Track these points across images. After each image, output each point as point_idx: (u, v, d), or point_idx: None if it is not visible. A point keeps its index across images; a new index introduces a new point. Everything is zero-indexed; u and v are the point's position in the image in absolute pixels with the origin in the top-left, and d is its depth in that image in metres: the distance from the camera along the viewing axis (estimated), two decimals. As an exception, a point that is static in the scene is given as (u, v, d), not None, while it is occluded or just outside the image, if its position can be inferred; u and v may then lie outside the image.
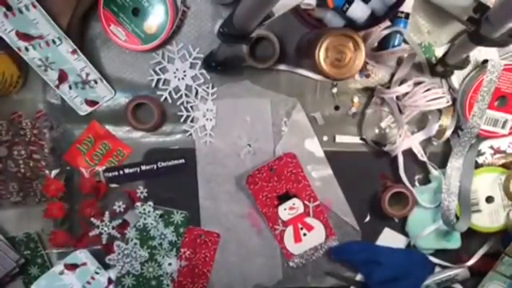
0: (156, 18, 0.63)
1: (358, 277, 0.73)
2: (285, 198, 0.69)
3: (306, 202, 0.69)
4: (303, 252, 0.71)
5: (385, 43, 0.66)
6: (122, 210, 0.68)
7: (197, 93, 0.67)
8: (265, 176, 0.68)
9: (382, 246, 0.72)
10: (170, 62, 0.67)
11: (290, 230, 0.70)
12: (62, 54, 0.63)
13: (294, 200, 0.69)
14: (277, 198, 0.69)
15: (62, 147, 0.68)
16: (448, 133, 0.68)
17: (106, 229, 0.68)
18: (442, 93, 0.65)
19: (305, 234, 0.70)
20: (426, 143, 0.70)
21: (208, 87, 0.67)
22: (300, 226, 0.70)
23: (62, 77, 0.64)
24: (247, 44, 0.62)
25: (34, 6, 0.59)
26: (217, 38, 0.53)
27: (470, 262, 0.72)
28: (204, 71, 0.67)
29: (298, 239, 0.70)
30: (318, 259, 0.72)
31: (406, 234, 0.72)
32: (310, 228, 0.70)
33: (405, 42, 0.66)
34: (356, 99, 0.69)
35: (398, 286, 0.70)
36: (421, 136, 0.69)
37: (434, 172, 0.70)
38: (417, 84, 0.66)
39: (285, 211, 0.69)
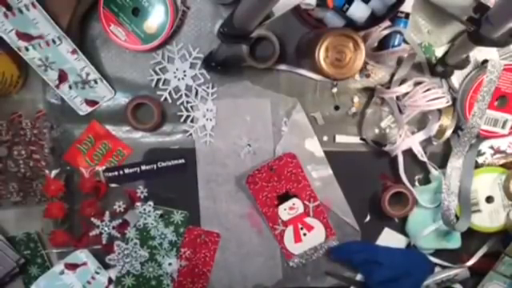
0: (156, 18, 0.63)
1: (358, 277, 0.73)
2: (285, 198, 0.69)
3: (306, 202, 0.69)
4: (303, 252, 0.71)
5: (385, 43, 0.66)
6: (122, 210, 0.68)
7: (197, 93, 0.67)
8: (265, 176, 0.68)
9: (382, 246, 0.72)
10: (170, 62, 0.67)
11: (290, 230, 0.70)
12: (62, 54, 0.63)
13: (294, 200, 0.69)
14: (277, 197, 0.69)
15: (61, 147, 0.68)
16: (448, 133, 0.68)
17: (106, 229, 0.68)
18: (442, 93, 0.65)
19: (305, 234, 0.70)
20: (426, 143, 0.70)
21: (208, 87, 0.67)
22: (300, 226, 0.70)
23: (62, 77, 0.64)
24: (247, 44, 0.62)
25: (34, 6, 0.59)
26: (217, 37, 0.53)
27: (470, 262, 0.72)
28: (204, 71, 0.67)
29: (297, 239, 0.70)
30: (318, 259, 0.72)
31: (405, 234, 0.72)
32: (309, 228, 0.70)
33: (405, 41, 0.66)
34: (356, 99, 0.69)
35: (398, 285, 0.70)
36: (421, 136, 0.69)
37: (434, 172, 0.70)
38: (417, 84, 0.66)
39: (285, 211, 0.69)
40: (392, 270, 0.70)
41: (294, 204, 0.69)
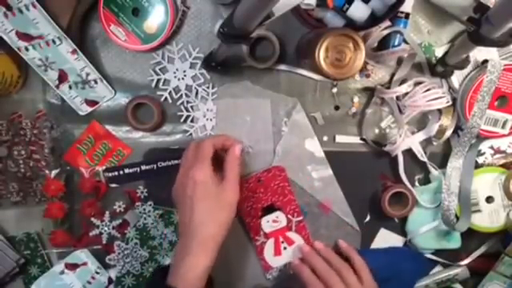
0: (156, 18, 0.63)
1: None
2: (269, 210, 0.69)
3: (290, 217, 0.69)
4: (282, 266, 0.70)
5: (385, 43, 0.66)
6: (123, 210, 0.68)
7: (197, 93, 0.67)
8: (252, 186, 0.67)
9: (369, 250, 0.72)
10: (170, 62, 0.67)
11: (270, 243, 0.70)
12: (62, 54, 0.63)
13: (278, 213, 0.69)
14: (261, 209, 0.68)
15: (61, 147, 0.68)
16: (448, 133, 0.68)
17: (106, 228, 0.68)
18: (442, 93, 0.65)
19: (285, 248, 0.70)
20: (426, 143, 0.70)
21: (208, 87, 0.67)
22: (281, 239, 0.70)
23: (62, 77, 0.64)
24: (247, 44, 0.62)
25: (34, 6, 0.59)
26: (217, 37, 0.53)
27: (467, 261, 0.72)
28: (204, 71, 0.67)
29: (277, 252, 0.70)
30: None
31: (405, 235, 0.72)
32: (290, 242, 0.70)
33: (405, 41, 0.66)
34: (356, 99, 0.69)
35: (392, 285, 0.70)
36: (421, 136, 0.69)
37: (434, 172, 0.70)
38: (417, 84, 0.66)
39: (267, 223, 0.69)
40: (381, 273, 0.69)
41: (277, 217, 0.69)
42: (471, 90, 0.65)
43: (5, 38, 0.60)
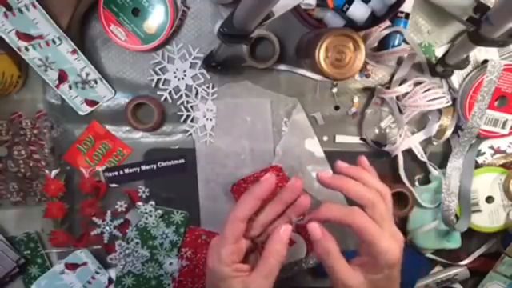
0: (156, 18, 0.63)
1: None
2: None
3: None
4: (282, 265, 0.70)
5: (385, 43, 0.66)
6: (124, 210, 0.68)
7: (197, 93, 0.67)
8: (249, 186, 0.67)
9: None
10: (170, 62, 0.67)
11: None
12: (62, 54, 0.63)
13: None
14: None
15: (61, 147, 0.68)
16: (448, 133, 0.68)
17: (107, 228, 0.68)
18: (442, 93, 0.65)
19: None
20: (426, 143, 0.70)
21: (208, 87, 0.67)
22: None
23: (62, 77, 0.64)
24: (247, 44, 0.62)
25: (34, 6, 0.59)
26: (217, 37, 0.53)
27: (467, 261, 0.72)
28: (204, 71, 0.67)
29: None
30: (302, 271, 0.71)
31: (405, 235, 0.72)
32: (291, 242, 0.69)
33: (405, 42, 0.66)
34: (356, 99, 0.69)
35: None
36: (421, 136, 0.69)
37: (434, 172, 0.70)
38: (417, 84, 0.66)
39: None
40: None
41: None
42: (471, 90, 0.65)
43: (5, 37, 0.60)
